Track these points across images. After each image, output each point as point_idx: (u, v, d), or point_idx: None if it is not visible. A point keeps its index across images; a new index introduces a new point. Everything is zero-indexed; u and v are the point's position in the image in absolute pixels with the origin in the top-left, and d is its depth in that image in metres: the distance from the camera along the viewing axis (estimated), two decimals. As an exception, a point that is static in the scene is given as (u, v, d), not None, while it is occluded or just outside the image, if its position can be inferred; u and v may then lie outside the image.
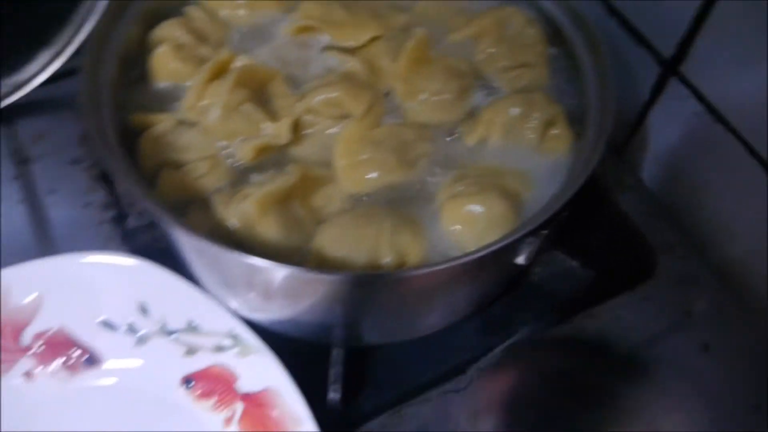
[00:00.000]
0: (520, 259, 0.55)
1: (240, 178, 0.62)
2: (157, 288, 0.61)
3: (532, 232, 0.53)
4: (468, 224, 0.58)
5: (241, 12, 0.74)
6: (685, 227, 0.80)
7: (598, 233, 0.78)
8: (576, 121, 0.66)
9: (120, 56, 0.66)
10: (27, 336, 0.61)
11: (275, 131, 0.64)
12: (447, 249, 0.59)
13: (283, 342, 0.61)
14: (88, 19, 0.81)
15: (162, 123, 0.64)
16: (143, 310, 0.62)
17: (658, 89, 0.78)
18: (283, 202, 0.58)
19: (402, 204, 0.61)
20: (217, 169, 0.62)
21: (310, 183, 0.61)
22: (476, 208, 0.58)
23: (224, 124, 0.63)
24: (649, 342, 0.71)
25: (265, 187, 0.57)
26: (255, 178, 0.62)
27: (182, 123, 0.65)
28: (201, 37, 0.71)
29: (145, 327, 0.62)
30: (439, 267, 0.51)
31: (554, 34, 0.71)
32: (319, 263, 0.56)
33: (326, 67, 0.70)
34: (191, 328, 0.61)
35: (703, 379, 0.69)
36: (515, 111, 0.64)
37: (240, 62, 0.67)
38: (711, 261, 0.77)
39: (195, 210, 0.59)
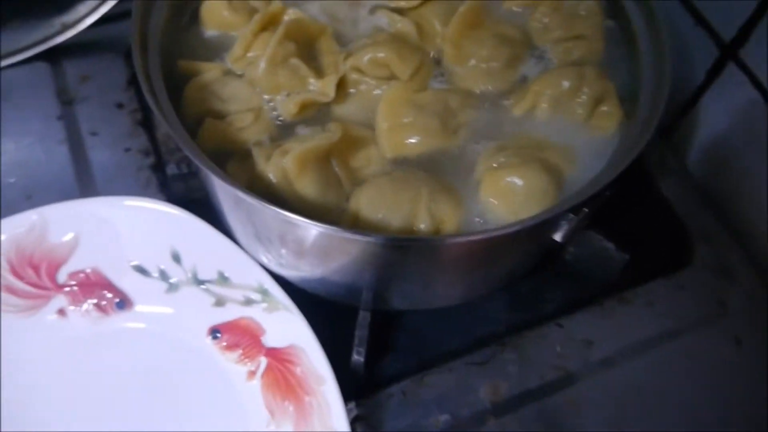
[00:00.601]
0: (557, 236, 0.54)
1: (282, 132, 0.62)
2: (191, 237, 0.61)
3: (573, 210, 0.52)
4: (507, 196, 0.58)
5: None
6: (727, 217, 0.78)
7: (637, 216, 0.76)
8: (627, 99, 0.64)
9: (171, 1, 0.66)
10: (62, 274, 0.62)
11: (321, 88, 0.63)
12: (484, 220, 0.58)
13: (311, 300, 0.61)
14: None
15: (209, 72, 0.64)
16: (176, 257, 0.62)
17: (714, 73, 0.75)
18: (322, 160, 0.58)
19: (441, 171, 0.61)
20: (260, 122, 0.62)
21: (350, 143, 0.61)
22: (516, 180, 0.57)
23: (270, 78, 0.63)
24: (681, 332, 0.70)
25: (305, 143, 0.57)
26: (297, 133, 0.62)
27: (228, 73, 0.65)
28: None
29: (176, 275, 0.63)
30: (474, 237, 0.50)
31: (612, 8, 0.69)
32: (354, 224, 0.56)
33: (376, 27, 0.69)
34: (222, 279, 0.62)
35: (733, 374, 0.68)
36: (566, 84, 0.63)
37: (290, 16, 0.66)
38: (750, 253, 0.75)
39: (234, 162, 0.59)
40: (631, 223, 0.74)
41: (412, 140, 0.62)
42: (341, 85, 0.64)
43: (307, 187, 0.56)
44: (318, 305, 0.61)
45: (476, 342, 0.68)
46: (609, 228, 0.70)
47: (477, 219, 0.58)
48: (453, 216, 0.57)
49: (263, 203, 0.50)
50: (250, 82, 0.64)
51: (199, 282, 0.62)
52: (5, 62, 0.80)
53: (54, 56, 0.82)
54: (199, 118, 0.62)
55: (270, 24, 0.66)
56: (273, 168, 0.56)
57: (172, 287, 0.63)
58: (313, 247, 0.55)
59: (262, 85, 0.63)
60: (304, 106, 0.62)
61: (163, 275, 0.63)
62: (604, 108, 0.63)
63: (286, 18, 0.66)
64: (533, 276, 0.72)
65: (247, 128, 0.61)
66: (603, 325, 0.70)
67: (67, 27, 0.81)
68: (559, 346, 0.68)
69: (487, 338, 0.68)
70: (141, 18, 0.61)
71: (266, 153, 0.58)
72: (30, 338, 0.62)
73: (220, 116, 0.62)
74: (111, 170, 0.75)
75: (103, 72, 0.83)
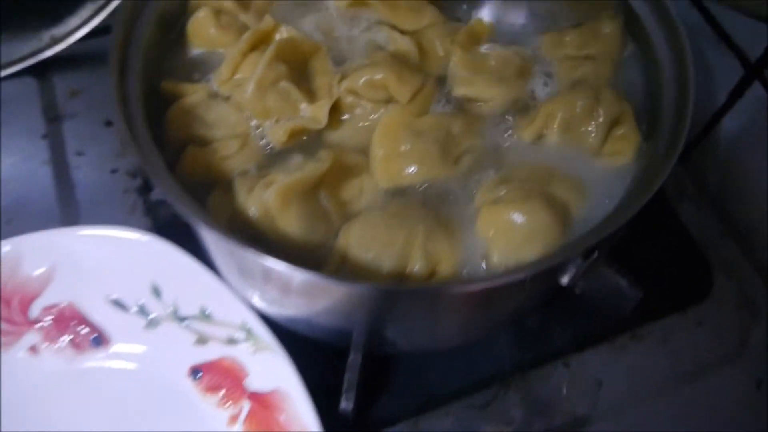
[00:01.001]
0: (564, 280, 0.50)
1: (271, 160, 0.58)
2: (172, 270, 0.58)
3: (582, 253, 0.47)
4: (506, 235, 0.53)
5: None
6: (749, 246, 0.73)
7: (652, 245, 0.71)
8: (644, 122, 0.59)
9: (158, 15, 0.61)
10: (35, 308, 0.59)
11: (312, 114, 0.59)
12: (482, 258, 0.54)
13: (298, 340, 0.57)
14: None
15: (193, 95, 0.60)
16: (156, 291, 0.59)
17: (737, 93, 0.70)
18: (309, 192, 0.54)
19: (441, 204, 0.56)
20: (247, 149, 0.58)
21: (341, 172, 0.56)
22: (517, 217, 0.52)
23: (258, 102, 0.58)
24: (698, 372, 0.66)
25: (290, 175, 0.53)
26: (287, 161, 0.58)
27: (215, 96, 0.61)
28: (244, 4, 0.66)
29: (156, 310, 0.59)
30: (466, 287, 0.46)
31: (632, 22, 0.64)
32: (342, 264, 0.52)
33: (375, 45, 0.65)
34: (204, 315, 0.58)
35: (754, 419, 0.64)
36: (580, 104, 0.58)
37: (282, 34, 0.62)
38: (773, 286, 0.71)
39: (218, 193, 0.55)
40: (646, 253, 0.69)
41: (410, 170, 0.57)
42: (335, 109, 0.59)
43: (290, 224, 0.52)
44: (306, 345, 0.58)
45: (477, 382, 0.64)
46: (621, 260, 0.65)
47: (474, 258, 0.53)
48: (450, 257, 0.52)
49: (240, 246, 0.45)
50: (237, 106, 0.59)
51: (180, 318, 0.59)
52: (-9, 77, 0.77)
53: (42, 71, 0.79)
54: (183, 144, 0.58)
55: (261, 43, 0.61)
56: (254, 202, 0.52)
57: (152, 323, 0.59)
58: (297, 290, 0.51)
59: (249, 110, 0.59)
60: (295, 133, 0.58)
61: (142, 310, 0.59)
62: (620, 131, 0.58)
63: (277, 37, 0.62)
64: (539, 310, 0.67)
65: (232, 156, 0.57)
66: (614, 364, 0.66)
67: (56, 41, 0.78)
68: (566, 387, 0.64)
69: (490, 378, 0.64)
70: (123, 35, 0.57)
71: (249, 185, 0.54)
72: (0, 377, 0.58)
73: (204, 142, 0.58)
74: (95, 192, 0.72)
75: (94, 86, 0.80)
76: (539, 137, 0.59)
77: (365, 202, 0.56)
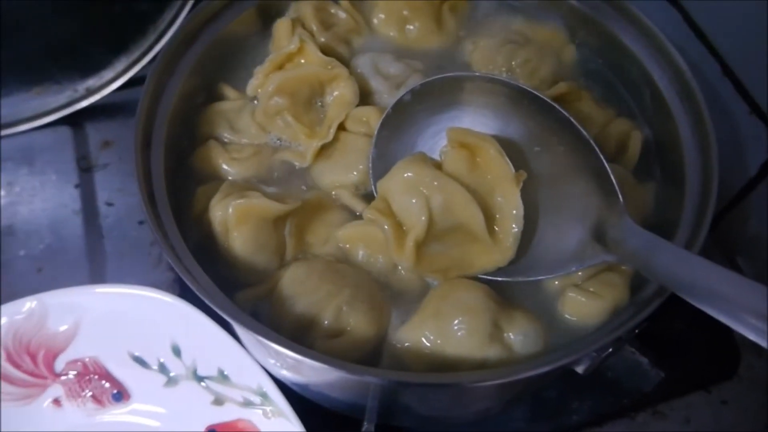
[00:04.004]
0: (579, 370, 0.49)
1: (269, 178, 0.62)
2: (192, 330, 0.58)
3: (596, 350, 0.47)
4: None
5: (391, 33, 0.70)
6: (780, 322, 0.71)
7: (676, 321, 0.70)
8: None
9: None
10: (60, 362, 0.60)
11: (304, 150, 0.62)
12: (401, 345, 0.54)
13: (312, 408, 0.57)
14: (170, 30, 0.79)
15: (231, 101, 0.65)
16: (176, 350, 0.59)
17: (768, 167, 0.69)
18: (270, 220, 0.56)
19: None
20: (255, 159, 0.62)
21: (319, 211, 0.60)
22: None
23: (268, 124, 0.63)
24: (722, 453, 0.64)
25: (254, 200, 0.56)
26: (287, 184, 0.62)
27: (247, 107, 0.65)
28: (326, 25, 0.68)
29: (176, 369, 0.60)
30: (476, 383, 0.46)
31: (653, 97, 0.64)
32: (268, 294, 0.55)
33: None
34: (221, 377, 0.58)
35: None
36: None
37: (306, 56, 0.64)
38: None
39: (209, 186, 0.59)
40: (670, 330, 0.68)
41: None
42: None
43: (237, 242, 0.55)
44: (321, 413, 0.58)
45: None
46: (643, 338, 0.65)
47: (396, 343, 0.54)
48: (365, 328, 0.53)
49: (248, 328, 0.47)
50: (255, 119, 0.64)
51: (199, 378, 0.59)
52: (29, 125, 0.79)
53: (77, 120, 0.81)
54: (206, 139, 0.63)
55: (288, 62, 0.65)
56: (221, 209, 0.56)
57: (171, 381, 0.60)
58: (310, 368, 0.51)
59: (263, 126, 0.64)
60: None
61: (163, 368, 0.60)
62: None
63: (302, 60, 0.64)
64: (557, 382, 0.66)
65: (240, 161, 0.61)
66: (634, 442, 0.64)
67: (91, 92, 0.80)
68: (583, 464, 0.63)
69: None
70: (147, 111, 0.59)
71: (228, 191, 0.57)
72: (25, 428, 0.59)
73: (224, 142, 0.63)
74: (123, 243, 0.73)
75: (125, 137, 0.80)
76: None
77: (324, 251, 0.58)
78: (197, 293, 0.49)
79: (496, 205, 0.55)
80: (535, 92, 0.56)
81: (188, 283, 0.49)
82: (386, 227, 0.53)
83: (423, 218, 0.53)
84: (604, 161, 0.53)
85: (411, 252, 0.53)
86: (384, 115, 0.59)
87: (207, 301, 0.49)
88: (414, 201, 0.53)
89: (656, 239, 0.49)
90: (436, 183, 0.53)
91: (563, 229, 0.55)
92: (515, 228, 0.54)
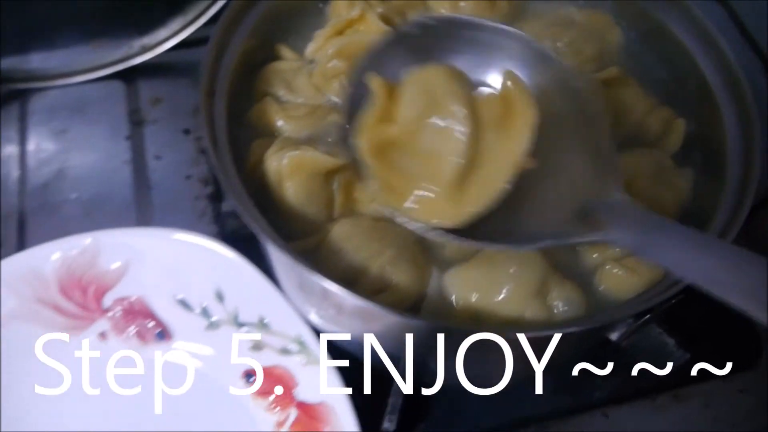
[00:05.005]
0: (613, 337, 0.51)
1: (323, 135, 0.62)
2: (235, 278, 0.61)
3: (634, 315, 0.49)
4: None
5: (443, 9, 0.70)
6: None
7: (704, 308, 0.71)
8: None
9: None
10: (108, 299, 0.62)
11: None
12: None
13: (349, 358, 0.59)
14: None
15: (289, 62, 0.66)
16: (219, 296, 0.62)
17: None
18: (321, 174, 0.58)
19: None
20: (310, 118, 0.63)
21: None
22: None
23: (324, 85, 0.65)
24: (737, 439, 0.66)
25: (307, 152, 0.57)
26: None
27: (305, 68, 0.66)
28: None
29: (218, 313, 0.62)
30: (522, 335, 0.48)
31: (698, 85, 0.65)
32: (316, 248, 0.56)
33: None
34: (262, 324, 0.61)
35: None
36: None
37: (370, 24, 0.65)
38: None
39: (263, 140, 0.61)
40: (697, 316, 0.69)
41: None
42: None
43: (290, 192, 0.57)
44: (356, 365, 0.60)
45: (514, 422, 0.65)
46: (671, 320, 0.66)
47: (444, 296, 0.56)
48: (407, 286, 0.54)
49: (301, 265, 0.49)
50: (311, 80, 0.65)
51: (240, 324, 0.61)
52: (84, 77, 0.82)
53: (130, 76, 0.84)
54: (263, 96, 0.64)
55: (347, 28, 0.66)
56: (275, 161, 0.57)
57: (213, 325, 0.62)
58: (350, 311, 0.53)
59: (321, 88, 0.65)
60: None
61: (205, 312, 0.62)
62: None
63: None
64: (583, 358, 0.68)
65: (295, 119, 0.63)
66: (653, 422, 0.66)
67: (146, 49, 0.83)
68: (603, 437, 0.65)
69: (527, 420, 0.65)
70: (211, 64, 0.60)
71: (282, 145, 0.58)
72: (69, 357, 0.62)
73: (281, 100, 0.65)
74: (169, 196, 0.76)
75: (175, 96, 0.84)
76: None
77: (371, 209, 0.59)
78: (255, 232, 0.51)
79: (485, 166, 0.48)
80: (552, 54, 0.54)
81: (248, 222, 0.51)
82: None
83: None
84: (608, 134, 0.52)
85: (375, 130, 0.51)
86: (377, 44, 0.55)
87: (264, 241, 0.51)
88: (419, 105, 0.49)
89: (660, 219, 0.47)
90: (455, 109, 0.47)
91: (552, 199, 0.51)
92: (484, 201, 0.48)
